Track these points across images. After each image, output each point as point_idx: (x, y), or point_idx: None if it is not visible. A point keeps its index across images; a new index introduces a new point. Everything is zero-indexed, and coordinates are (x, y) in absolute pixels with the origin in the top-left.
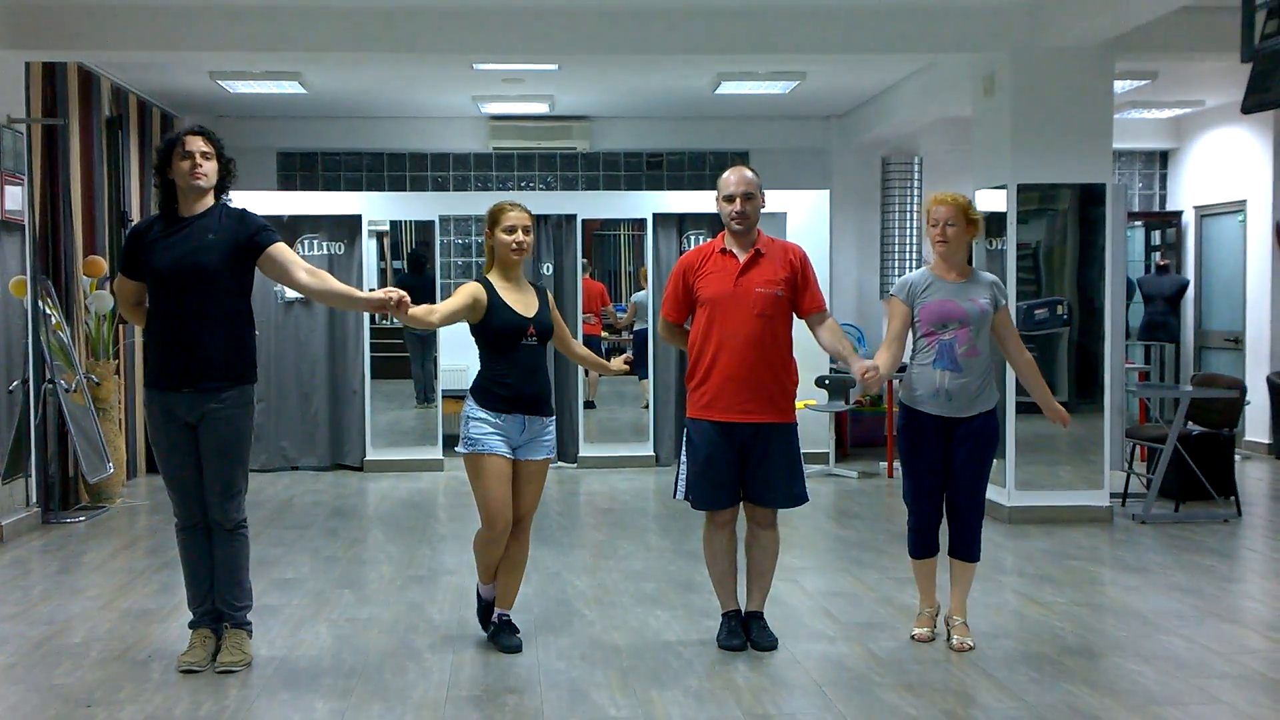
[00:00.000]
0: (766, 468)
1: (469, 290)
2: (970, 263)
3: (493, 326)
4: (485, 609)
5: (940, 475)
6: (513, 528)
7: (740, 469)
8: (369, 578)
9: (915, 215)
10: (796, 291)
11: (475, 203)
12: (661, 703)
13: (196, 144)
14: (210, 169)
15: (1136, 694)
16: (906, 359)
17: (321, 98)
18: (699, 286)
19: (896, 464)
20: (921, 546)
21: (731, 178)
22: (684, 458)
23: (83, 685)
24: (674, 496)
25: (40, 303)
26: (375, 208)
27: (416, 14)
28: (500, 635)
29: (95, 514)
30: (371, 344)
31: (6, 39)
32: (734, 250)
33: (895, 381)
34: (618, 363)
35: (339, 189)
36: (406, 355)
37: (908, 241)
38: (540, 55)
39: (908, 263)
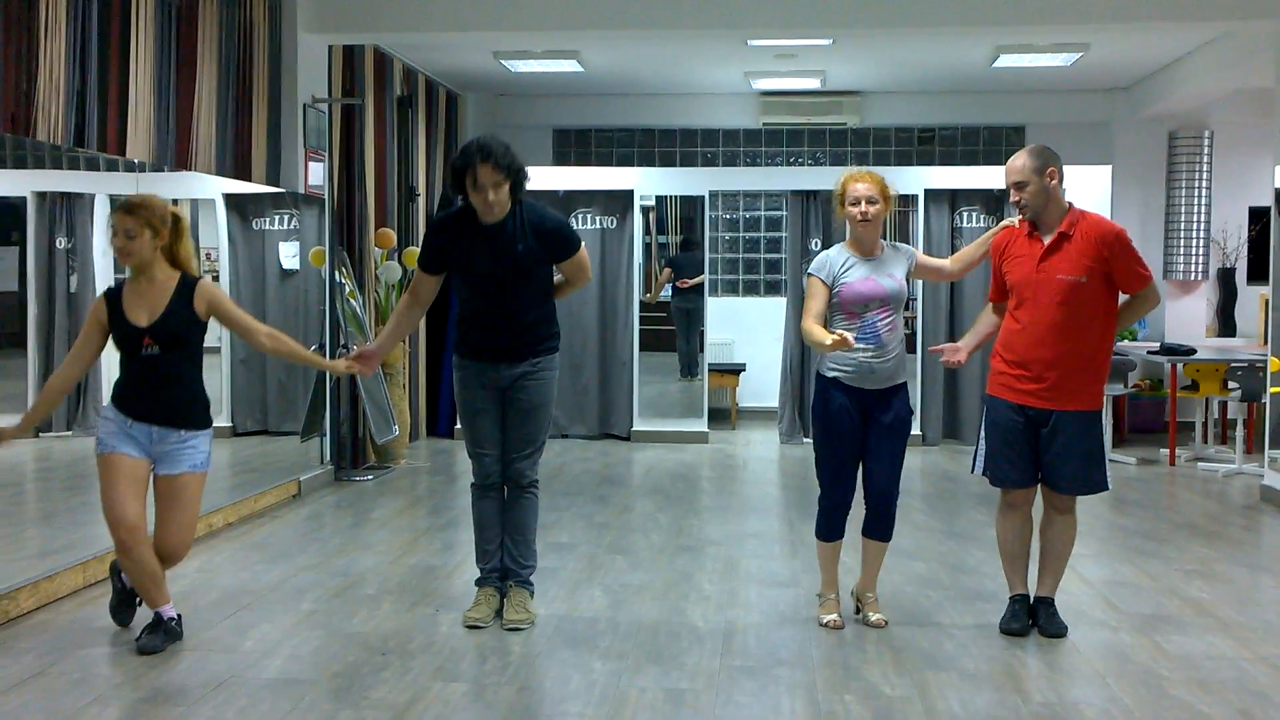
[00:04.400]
0: (1061, 455)
1: (91, 315)
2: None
3: (114, 336)
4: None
5: (859, 453)
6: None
7: (1036, 451)
8: (639, 545)
9: (1204, 192)
10: (1111, 273)
11: (744, 178)
12: (936, 684)
13: (488, 176)
14: (502, 198)
15: None
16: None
17: (597, 75)
18: (1006, 270)
19: (1179, 450)
20: (836, 528)
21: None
22: (983, 433)
23: (378, 633)
24: (971, 472)
25: (336, 272)
26: (646, 183)
27: None
28: (150, 631)
29: (381, 473)
30: (640, 317)
31: (312, 25)
32: (1040, 232)
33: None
34: (344, 362)
35: (611, 165)
36: (673, 329)
37: (1195, 219)
38: (815, 30)
39: (1194, 241)
